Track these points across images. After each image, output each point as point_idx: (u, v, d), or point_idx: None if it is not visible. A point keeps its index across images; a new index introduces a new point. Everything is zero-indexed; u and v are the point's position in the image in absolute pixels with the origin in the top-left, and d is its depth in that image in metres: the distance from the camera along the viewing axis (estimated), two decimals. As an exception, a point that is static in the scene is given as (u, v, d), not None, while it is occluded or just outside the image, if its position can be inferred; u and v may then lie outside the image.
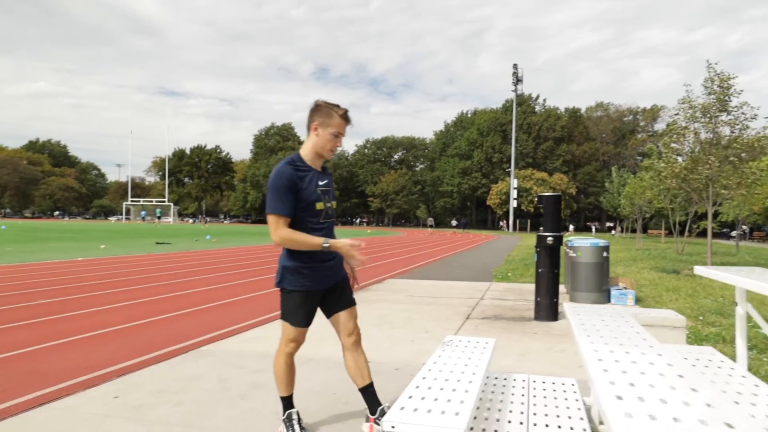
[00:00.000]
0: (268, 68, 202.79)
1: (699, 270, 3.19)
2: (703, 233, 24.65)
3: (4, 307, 6.38)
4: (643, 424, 1.27)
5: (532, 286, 8.79)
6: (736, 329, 3.08)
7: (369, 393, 2.71)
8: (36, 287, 8.15)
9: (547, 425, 2.27)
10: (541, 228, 6.28)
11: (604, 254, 7.22)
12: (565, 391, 2.72)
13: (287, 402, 2.78)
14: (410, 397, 2.01)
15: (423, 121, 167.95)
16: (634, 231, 41.83)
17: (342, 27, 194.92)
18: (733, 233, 40.73)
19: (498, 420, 2.34)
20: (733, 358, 3.85)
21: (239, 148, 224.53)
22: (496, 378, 2.95)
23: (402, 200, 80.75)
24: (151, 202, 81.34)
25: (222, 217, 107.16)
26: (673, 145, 13.47)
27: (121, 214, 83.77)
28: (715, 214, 24.17)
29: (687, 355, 2.69)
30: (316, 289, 2.62)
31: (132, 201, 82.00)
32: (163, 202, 78.50)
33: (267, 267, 12.24)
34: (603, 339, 2.28)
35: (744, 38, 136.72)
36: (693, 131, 12.74)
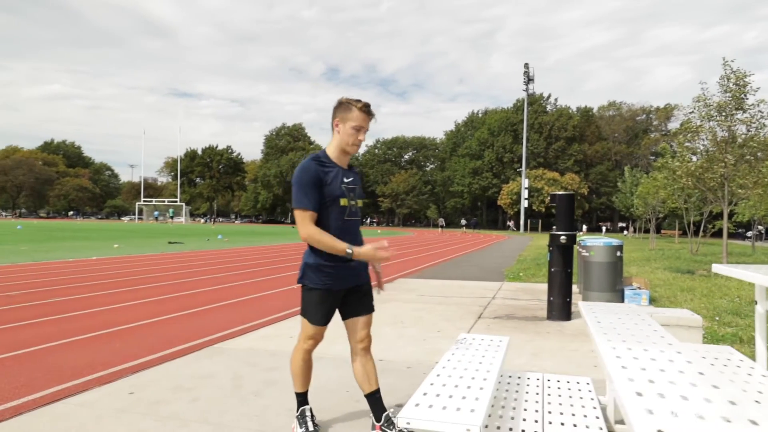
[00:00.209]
0: (279, 69, 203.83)
1: (717, 268, 3.14)
2: (717, 233, 24.33)
3: (21, 305, 6.48)
4: (665, 421, 1.25)
5: (544, 286, 8.74)
6: (755, 328, 3.02)
7: (375, 399, 2.70)
8: (51, 285, 8.26)
9: (562, 423, 2.25)
10: (553, 227, 6.23)
11: (618, 254, 7.14)
12: (580, 390, 2.70)
13: (302, 398, 2.78)
14: (425, 394, 2.01)
15: (433, 121, 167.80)
16: (647, 231, 41.40)
17: (353, 27, 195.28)
18: (749, 233, 40.13)
19: (513, 418, 2.32)
20: (751, 358, 3.79)
21: (250, 149, 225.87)
22: (510, 376, 2.93)
23: (412, 200, 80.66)
24: (164, 202, 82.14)
25: (233, 217, 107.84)
26: (687, 144, 13.31)
27: (134, 214, 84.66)
28: (731, 214, 23.84)
29: (705, 353, 2.65)
30: (338, 288, 2.59)
31: (144, 201, 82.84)
32: (175, 202, 79.20)
33: (277, 266, 12.29)
34: (620, 336, 2.25)
35: (760, 35, 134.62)
36: (708, 129, 12.57)
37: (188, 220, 78.44)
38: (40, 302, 6.70)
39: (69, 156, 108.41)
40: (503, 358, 2.55)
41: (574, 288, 8.23)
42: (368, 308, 2.72)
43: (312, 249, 2.57)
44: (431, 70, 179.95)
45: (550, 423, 2.26)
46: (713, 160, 12.39)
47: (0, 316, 5.77)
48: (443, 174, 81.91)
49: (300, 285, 2.63)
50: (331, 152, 2.58)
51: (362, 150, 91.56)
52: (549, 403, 2.51)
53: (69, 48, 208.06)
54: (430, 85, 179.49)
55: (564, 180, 64.89)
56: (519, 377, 2.91)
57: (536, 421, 2.27)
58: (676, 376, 1.63)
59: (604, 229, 62.81)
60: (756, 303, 2.92)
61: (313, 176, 2.46)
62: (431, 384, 2.12)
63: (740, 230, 47.94)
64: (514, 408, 2.45)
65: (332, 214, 2.52)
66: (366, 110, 2.53)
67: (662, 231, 53.06)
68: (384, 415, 2.67)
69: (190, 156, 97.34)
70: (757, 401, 1.98)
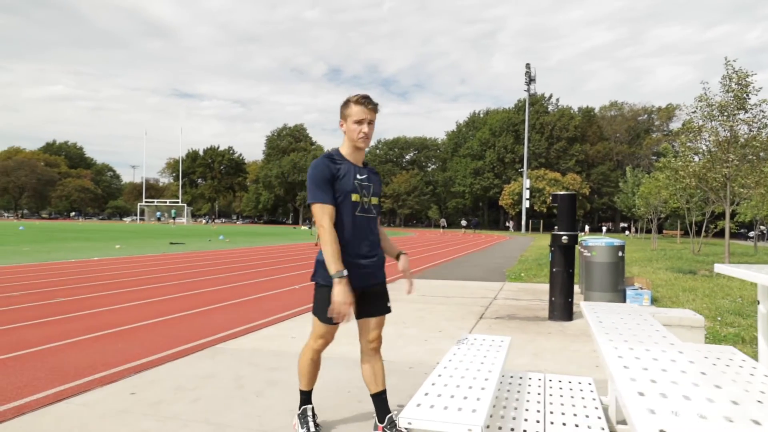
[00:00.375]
0: (281, 69, 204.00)
1: (719, 268, 3.13)
2: (720, 233, 24.29)
3: (22, 305, 6.49)
4: (666, 420, 1.25)
5: (545, 286, 8.73)
6: (758, 328, 3.02)
7: (380, 400, 2.69)
8: (53, 286, 8.28)
9: (564, 424, 2.25)
10: (555, 227, 6.23)
11: (619, 254, 7.13)
12: (581, 390, 2.69)
13: (306, 396, 2.77)
14: (426, 394, 2.01)
15: (435, 121, 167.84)
16: (648, 231, 41.33)
17: (355, 28, 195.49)
18: (751, 234, 40.04)
19: (514, 418, 2.32)
20: (753, 358, 3.78)
21: (252, 149, 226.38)
22: (511, 377, 2.93)
23: (413, 201, 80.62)
24: (165, 203, 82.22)
25: (235, 217, 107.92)
26: (689, 144, 13.28)
27: (136, 215, 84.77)
28: (733, 214, 23.79)
29: (707, 353, 2.65)
30: (353, 287, 2.54)
31: (146, 202, 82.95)
32: (177, 203, 79.28)
33: (279, 267, 12.30)
34: (622, 336, 2.25)
35: (763, 35, 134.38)
36: (710, 129, 12.55)
37: (190, 221, 78.52)
38: (42, 303, 6.71)
39: (71, 157, 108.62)
40: (504, 358, 2.54)
41: (576, 288, 8.22)
42: (382, 309, 2.69)
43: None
44: (433, 70, 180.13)
45: (552, 423, 2.25)
46: (716, 160, 12.36)
47: (2, 317, 5.78)
48: (444, 174, 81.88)
49: (313, 282, 2.62)
50: (344, 150, 2.61)
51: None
52: (551, 403, 2.50)
53: (72, 49, 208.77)
54: (431, 85, 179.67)
55: (565, 180, 64.83)
56: (521, 377, 2.91)
57: (538, 422, 2.27)
58: (678, 376, 1.62)
59: (604, 229, 62.75)
60: (759, 303, 2.92)
61: (325, 172, 2.49)
62: (433, 384, 2.12)
63: (742, 230, 47.84)
64: (515, 408, 2.44)
65: (344, 209, 2.52)
66: (363, 102, 2.52)
67: (664, 231, 52.96)
68: (387, 416, 2.66)
69: (192, 157, 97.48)
70: (759, 401, 1.97)
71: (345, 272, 2.40)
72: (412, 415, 1.79)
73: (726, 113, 12.15)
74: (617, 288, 7.05)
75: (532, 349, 4.75)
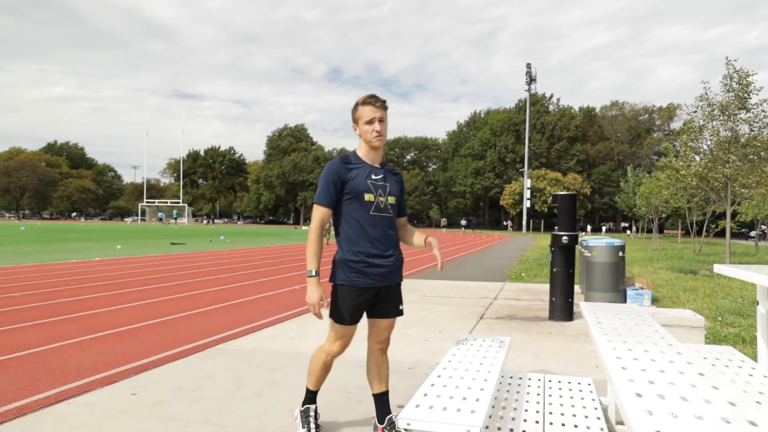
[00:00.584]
0: (282, 70, 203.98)
1: (719, 268, 3.14)
2: (721, 233, 24.24)
3: (24, 306, 6.51)
4: (664, 422, 1.26)
5: (546, 287, 8.73)
6: (757, 329, 3.02)
7: (382, 400, 2.70)
8: (54, 287, 8.29)
9: (563, 424, 2.25)
10: (555, 227, 6.23)
11: (620, 254, 7.13)
12: (581, 391, 2.70)
13: (311, 395, 2.76)
14: (425, 395, 2.01)
15: (435, 121, 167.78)
16: (649, 231, 41.29)
17: (355, 28, 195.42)
18: (752, 233, 39.98)
19: (514, 419, 2.32)
20: (753, 358, 3.78)
21: (253, 149, 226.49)
22: (511, 377, 2.94)
23: (414, 201, 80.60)
24: (166, 203, 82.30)
25: (236, 218, 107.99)
26: (690, 144, 13.28)
27: (137, 216, 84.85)
28: (734, 214, 23.75)
29: (707, 354, 2.65)
30: (364, 285, 2.53)
31: (147, 202, 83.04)
32: (178, 203, 79.35)
33: (279, 267, 12.30)
34: (621, 337, 2.25)
35: (763, 35, 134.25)
36: (711, 129, 12.54)
37: (191, 222, 78.59)
38: (44, 303, 6.72)
39: (72, 157, 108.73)
40: (504, 358, 2.55)
41: (577, 288, 8.22)
42: (394, 312, 2.69)
43: (340, 244, 2.59)
44: (433, 70, 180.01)
45: (551, 424, 2.26)
46: (717, 160, 12.35)
47: (3, 317, 5.79)
48: (445, 174, 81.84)
49: (331, 283, 2.63)
50: (361, 152, 2.64)
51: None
52: (550, 403, 2.51)
53: (73, 50, 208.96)
54: (432, 85, 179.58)
55: (566, 180, 64.78)
56: (520, 378, 2.91)
57: (537, 422, 2.27)
58: (676, 377, 1.63)
59: (604, 228, 62.70)
60: (758, 303, 2.92)
61: (333, 173, 2.53)
62: (432, 385, 2.12)
63: (743, 230, 47.79)
64: (515, 409, 2.45)
65: (357, 208, 2.54)
66: (370, 101, 2.55)
67: (665, 231, 52.92)
68: (387, 417, 2.67)
69: (193, 157, 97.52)
70: (757, 402, 1.97)
71: (315, 272, 2.49)
72: (410, 416, 1.79)
73: (727, 113, 12.14)
74: (618, 288, 7.05)
75: (532, 349, 4.76)
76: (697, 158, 13.29)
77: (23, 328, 5.28)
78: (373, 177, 2.59)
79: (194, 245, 20.81)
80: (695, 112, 12.84)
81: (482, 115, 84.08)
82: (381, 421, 2.68)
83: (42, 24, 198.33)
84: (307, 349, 4.59)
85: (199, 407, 3.17)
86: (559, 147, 71.37)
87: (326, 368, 2.71)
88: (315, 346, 4.73)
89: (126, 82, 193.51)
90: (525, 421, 2.29)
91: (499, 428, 2.23)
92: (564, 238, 6.04)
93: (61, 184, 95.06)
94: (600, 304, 3.26)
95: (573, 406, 2.48)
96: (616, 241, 7.22)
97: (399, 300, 2.72)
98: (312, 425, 2.73)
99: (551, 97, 77.93)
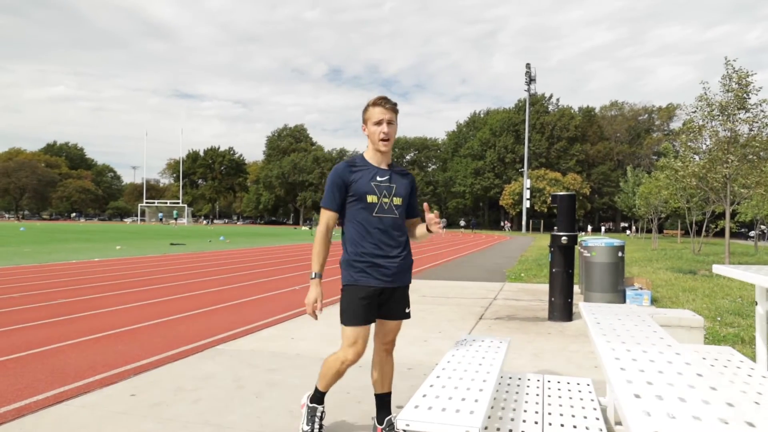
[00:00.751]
0: (282, 70, 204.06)
1: (718, 269, 3.14)
2: (720, 233, 24.25)
3: (23, 307, 6.50)
4: (662, 423, 1.26)
5: (545, 287, 8.73)
6: (756, 329, 3.02)
7: (383, 402, 2.70)
8: (54, 287, 8.29)
9: (562, 425, 2.25)
10: (555, 228, 6.23)
11: (619, 254, 7.13)
12: (580, 391, 2.70)
13: (320, 395, 2.73)
14: (424, 395, 2.01)
15: (435, 121, 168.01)
16: (649, 231, 41.30)
17: (355, 28, 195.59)
18: (752, 233, 39.98)
19: (513, 419, 2.33)
20: (752, 358, 3.78)
21: (252, 150, 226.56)
22: (510, 378, 2.94)
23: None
24: (166, 203, 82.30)
25: (235, 218, 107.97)
26: (690, 144, 13.29)
27: (136, 216, 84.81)
28: (733, 214, 23.76)
29: (705, 354, 2.65)
30: (370, 284, 2.51)
31: (147, 202, 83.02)
32: (178, 203, 79.33)
33: (279, 268, 12.30)
34: (619, 338, 2.25)
35: (763, 35, 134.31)
36: (711, 129, 12.55)
37: (190, 222, 78.56)
38: (43, 304, 6.72)
39: (72, 158, 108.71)
40: (503, 359, 2.55)
41: (576, 288, 8.23)
42: (400, 314, 2.67)
43: (345, 245, 2.60)
44: (433, 70, 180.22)
45: (550, 424, 2.26)
46: (716, 161, 12.36)
47: (3, 318, 5.79)
48: (445, 174, 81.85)
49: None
50: (367, 154, 2.66)
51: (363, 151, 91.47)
52: (549, 404, 2.51)
53: (73, 50, 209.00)
54: (432, 85, 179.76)
55: (566, 180, 64.80)
56: (519, 378, 2.91)
57: (536, 423, 2.28)
58: (674, 378, 1.63)
59: (603, 228, 62.76)
60: (756, 304, 2.92)
61: (338, 177, 2.56)
62: (431, 385, 2.12)
63: (743, 230, 47.80)
64: (514, 409, 2.45)
65: (360, 210, 2.55)
66: (380, 102, 2.55)
67: (664, 231, 52.92)
68: (387, 419, 2.67)
69: (192, 157, 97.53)
70: (756, 402, 1.98)
71: (315, 274, 2.54)
72: (409, 417, 1.79)
73: (726, 113, 12.15)
74: (617, 288, 7.05)
75: (531, 349, 4.76)
76: (696, 158, 13.30)
77: (22, 329, 5.27)
78: (378, 179, 2.58)
79: (194, 246, 20.80)
80: (695, 112, 12.85)
81: (482, 115, 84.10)
82: (380, 422, 2.69)
83: (42, 24, 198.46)
84: (307, 350, 4.60)
85: (199, 408, 3.17)
86: (558, 147, 71.38)
87: (339, 375, 2.65)
88: (315, 346, 4.74)
89: (126, 82, 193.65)
90: (524, 421, 2.29)
91: (498, 429, 2.24)
92: (563, 238, 6.04)
93: (61, 185, 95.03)
94: (599, 305, 3.26)
95: (572, 406, 2.48)
96: (616, 242, 7.22)
97: (406, 302, 2.70)
98: (317, 426, 2.72)
99: (551, 97, 77.97)
